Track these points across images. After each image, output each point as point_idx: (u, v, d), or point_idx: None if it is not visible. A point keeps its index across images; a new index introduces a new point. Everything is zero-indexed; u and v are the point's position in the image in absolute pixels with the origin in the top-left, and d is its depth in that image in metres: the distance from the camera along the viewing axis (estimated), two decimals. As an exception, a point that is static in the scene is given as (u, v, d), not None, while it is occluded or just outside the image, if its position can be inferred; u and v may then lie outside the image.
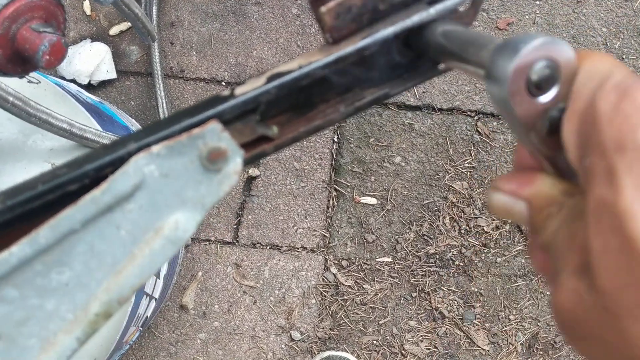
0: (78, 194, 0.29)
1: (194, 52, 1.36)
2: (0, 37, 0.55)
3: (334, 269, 1.35)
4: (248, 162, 0.30)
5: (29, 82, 0.73)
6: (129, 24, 1.34)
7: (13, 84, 0.62)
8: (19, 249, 0.29)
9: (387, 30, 0.28)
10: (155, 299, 1.05)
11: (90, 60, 1.25)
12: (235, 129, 0.30)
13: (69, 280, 0.30)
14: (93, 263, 0.30)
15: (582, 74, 0.23)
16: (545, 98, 0.23)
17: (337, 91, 0.31)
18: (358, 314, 1.34)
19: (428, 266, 1.35)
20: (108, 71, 1.30)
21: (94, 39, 1.34)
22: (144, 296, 0.92)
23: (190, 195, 0.30)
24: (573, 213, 0.23)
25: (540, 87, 0.23)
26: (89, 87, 1.31)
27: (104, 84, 1.34)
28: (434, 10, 0.28)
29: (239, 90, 0.29)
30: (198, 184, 0.30)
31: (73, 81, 1.26)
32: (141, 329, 1.04)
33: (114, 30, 1.34)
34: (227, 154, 0.29)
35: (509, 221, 1.37)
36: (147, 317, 1.03)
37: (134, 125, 1.10)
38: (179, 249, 0.30)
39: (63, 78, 1.27)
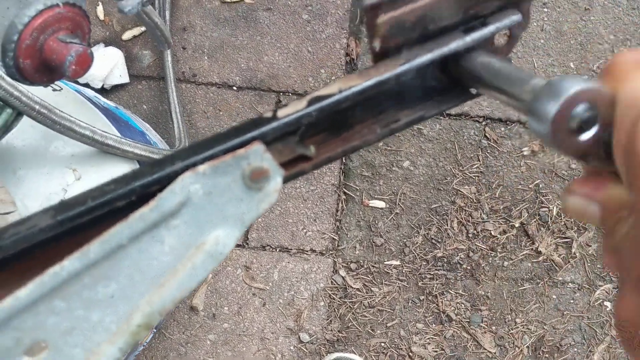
0: (125, 210, 0.31)
1: (206, 57, 1.38)
2: (28, 48, 0.56)
3: (342, 272, 1.36)
4: (287, 180, 0.31)
5: (53, 90, 0.75)
6: (142, 28, 1.36)
7: (37, 92, 0.64)
8: (70, 263, 0.30)
9: (425, 57, 0.29)
10: (169, 302, 1.07)
11: (104, 64, 1.27)
12: (275, 149, 0.31)
13: (114, 292, 0.31)
14: (137, 276, 0.31)
15: (621, 102, 0.24)
16: (586, 136, 0.24)
17: (372, 113, 0.32)
18: (366, 317, 1.35)
19: (436, 269, 1.37)
20: (121, 75, 1.31)
21: (107, 43, 1.36)
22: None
23: (231, 212, 0.31)
24: None
25: (581, 127, 0.24)
26: (102, 91, 1.33)
27: (116, 88, 1.35)
28: (469, 39, 0.29)
29: (281, 113, 0.30)
30: (239, 202, 0.31)
31: (87, 85, 1.28)
32: (154, 330, 1.06)
33: (127, 35, 1.36)
34: (268, 173, 0.30)
35: (516, 226, 1.38)
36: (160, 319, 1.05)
37: (148, 130, 1.12)
38: (219, 263, 0.31)
39: (77, 82, 1.29)
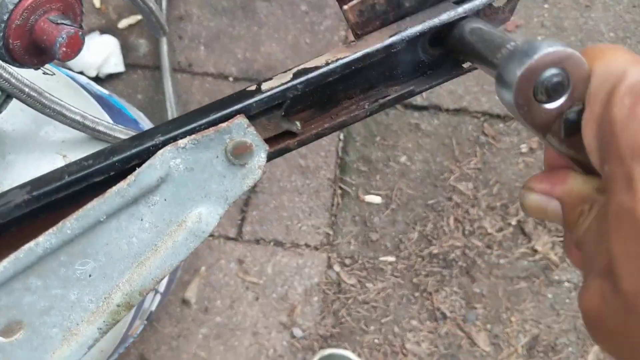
0: (103, 185, 0.30)
1: (202, 47, 1.36)
2: (18, 28, 0.55)
3: (337, 267, 1.35)
4: (272, 157, 0.30)
5: (44, 73, 0.73)
6: (138, 17, 1.34)
7: (28, 75, 0.62)
8: (45, 239, 0.29)
9: (415, 29, 0.28)
10: (160, 293, 1.06)
11: (99, 52, 1.25)
12: (260, 124, 0.30)
13: (92, 271, 0.30)
14: (116, 254, 0.30)
15: (596, 76, 0.23)
16: (553, 105, 0.23)
17: (361, 88, 0.31)
18: (360, 313, 1.34)
19: (431, 266, 1.36)
20: (116, 64, 1.30)
21: (102, 31, 1.34)
22: (150, 289, 0.92)
23: (214, 189, 0.30)
24: (603, 212, 0.23)
25: (549, 94, 0.22)
26: (97, 79, 1.31)
27: (111, 76, 1.34)
28: (462, 9, 0.28)
29: (265, 86, 0.29)
30: (222, 178, 0.30)
31: (81, 73, 1.26)
32: (145, 322, 1.04)
33: (123, 24, 1.34)
34: (252, 148, 0.29)
35: (513, 223, 1.37)
36: (151, 311, 1.03)
37: (142, 119, 1.10)
38: (202, 242, 0.30)
39: (71, 70, 1.27)
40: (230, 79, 1.37)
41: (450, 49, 0.30)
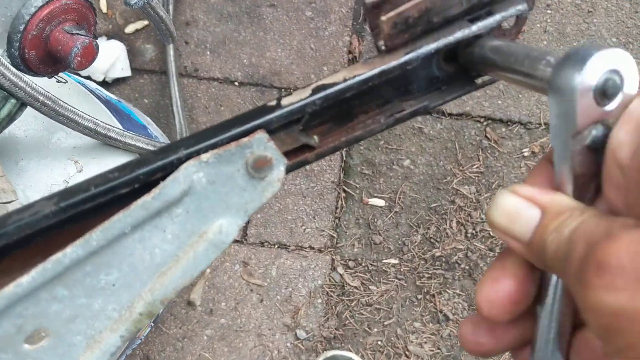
0: (128, 197, 0.31)
1: (208, 52, 1.38)
2: (34, 38, 0.56)
3: (340, 269, 1.36)
4: (290, 170, 0.31)
5: (57, 81, 0.75)
6: (145, 22, 1.36)
7: (41, 83, 0.64)
8: (72, 250, 0.30)
9: (430, 46, 0.29)
10: (167, 295, 1.07)
11: (106, 57, 1.27)
12: (278, 138, 0.31)
13: (116, 280, 0.31)
14: (139, 265, 0.31)
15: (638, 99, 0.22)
16: (612, 106, 0.23)
17: (377, 103, 0.32)
18: (363, 315, 1.35)
19: (434, 269, 1.37)
20: (123, 69, 1.31)
21: (109, 36, 1.36)
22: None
23: (234, 202, 0.31)
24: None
25: (606, 96, 0.23)
26: (103, 84, 1.33)
27: (118, 81, 1.35)
28: (475, 27, 0.29)
29: (285, 101, 0.30)
30: (242, 191, 0.31)
31: (88, 78, 1.28)
32: (152, 324, 1.06)
33: (129, 29, 1.36)
34: (272, 162, 0.30)
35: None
36: (158, 313, 1.05)
37: (150, 124, 1.12)
38: (221, 252, 0.31)
39: (77, 74, 1.28)
40: (236, 83, 1.38)
41: (465, 65, 0.31)
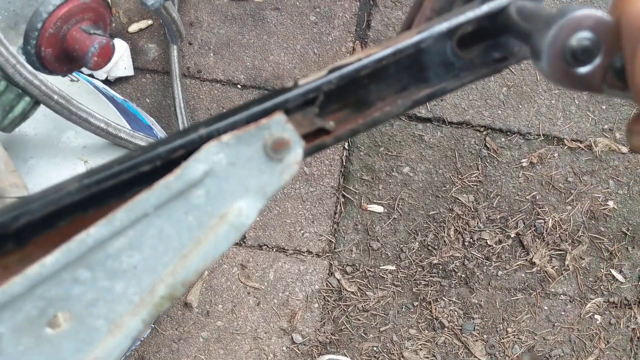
0: (150, 176, 0.31)
1: (212, 54, 1.38)
2: (51, 37, 0.56)
3: (338, 275, 1.36)
4: (308, 153, 0.32)
5: (71, 80, 0.75)
6: (149, 22, 1.36)
7: (54, 81, 0.64)
8: (96, 230, 0.30)
9: (442, 26, 0.30)
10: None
11: (110, 56, 1.27)
12: (294, 120, 0.31)
13: (138, 263, 0.31)
14: (161, 247, 0.31)
15: (626, 22, 0.23)
16: (585, 69, 0.24)
17: (394, 89, 0.32)
18: (360, 320, 1.35)
19: (431, 276, 1.37)
20: (126, 68, 1.31)
21: (113, 35, 1.36)
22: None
23: (253, 184, 0.31)
24: None
25: (581, 58, 0.23)
26: (106, 82, 1.33)
27: (120, 80, 1.35)
28: (486, 7, 0.30)
29: (302, 81, 0.31)
30: (261, 173, 0.31)
31: (90, 76, 1.28)
32: (153, 325, 1.05)
33: (133, 28, 1.36)
34: (290, 144, 0.30)
35: (512, 236, 1.39)
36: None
37: (154, 124, 1.12)
38: (242, 235, 0.32)
39: (80, 72, 1.28)
40: (239, 86, 1.39)
41: (509, 31, 0.31)
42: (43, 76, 0.58)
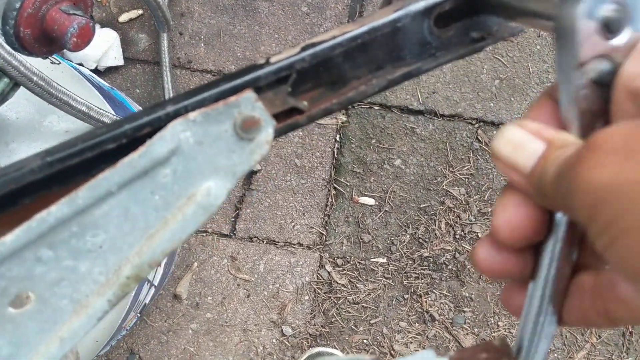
0: (115, 154, 0.30)
1: (202, 44, 1.37)
2: (30, 17, 0.55)
3: (328, 267, 1.36)
4: (281, 133, 0.31)
5: (51, 62, 0.74)
6: (139, 11, 1.35)
7: (35, 63, 0.63)
8: (57, 208, 0.29)
9: (419, 4, 0.29)
10: (155, 286, 1.06)
11: (99, 45, 1.26)
12: (266, 99, 0.30)
13: (103, 242, 0.31)
14: (127, 227, 0.31)
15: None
16: (619, 40, 0.23)
17: (369, 68, 0.31)
18: (350, 313, 1.35)
19: (421, 269, 1.37)
20: (115, 57, 1.30)
21: (103, 24, 1.35)
22: (146, 283, 0.93)
23: (222, 164, 0.31)
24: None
25: (609, 29, 0.22)
26: (95, 72, 1.32)
27: (110, 70, 1.34)
28: None
29: (274, 58, 0.30)
30: (230, 153, 0.30)
31: (80, 65, 1.27)
32: (139, 315, 1.04)
33: (123, 18, 1.35)
34: (260, 123, 0.30)
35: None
36: (145, 303, 1.04)
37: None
38: (210, 216, 0.31)
39: (70, 61, 1.27)
40: (229, 76, 1.38)
41: (489, 9, 0.30)
42: (22, 57, 0.57)
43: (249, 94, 0.29)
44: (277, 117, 0.31)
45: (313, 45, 0.30)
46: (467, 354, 0.30)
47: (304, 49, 0.30)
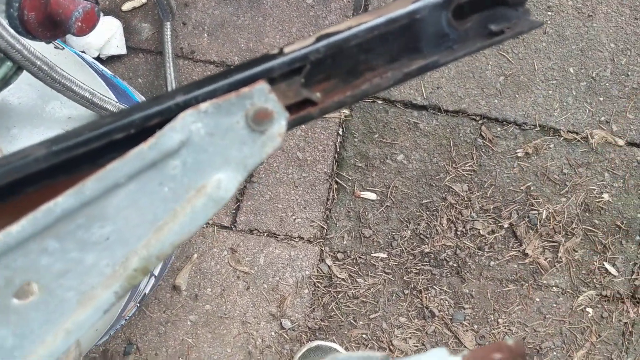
0: (123, 144, 0.29)
1: (206, 35, 1.36)
2: (34, 0, 0.55)
3: (329, 261, 1.35)
4: (293, 125, 0.30)
5: (55, 47, 0.73)
6: (143, 0, 1.34)
7: (39, 48, 0.62)
8: (64, 199, 0.29)
9: None
10: (155, 276, 1.05)
11: (102, 34, 1.25)
12: (279, 90, 0.29)
13: (110, 234, 0.30)
14: (134, 219, 0.30)
15: None
16: None
17: (384, 59, 0.31)
18: (349, 307, 1.35)
19: (422, 265, 1.36)
20: (118, 46, 1.29)
21: (106, 13, 1.34)
22: (144, 272, 0.92)
23: (233, 156, 0.30)
24: None
25: None
26: (98, 60, 1.31)
27: (112, 58, 1.33)
28: None
29: (288, 49, 0.29)
30: (242, 145, 0.30)
31: (83, 52, 1.26)
32: (138, 305, 1.04)
33: (126, 6, 1.34)
34: (272, 115, 0.29)
35: (505, 226, 1.38)
36: (145, 293, 1.03)
37: (143, 102, 1.10)
38: (220, 208, 0.30)
39: (72, 48, 1.26)
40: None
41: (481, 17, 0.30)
42: (26, 41, 0.56)
43: (262, 85, 0.29)
44: (289, 108, 0.30)
45: (328, 35, 0.29)
46: (480, 354, 0.29)
47: (318, 39, 0.29)
